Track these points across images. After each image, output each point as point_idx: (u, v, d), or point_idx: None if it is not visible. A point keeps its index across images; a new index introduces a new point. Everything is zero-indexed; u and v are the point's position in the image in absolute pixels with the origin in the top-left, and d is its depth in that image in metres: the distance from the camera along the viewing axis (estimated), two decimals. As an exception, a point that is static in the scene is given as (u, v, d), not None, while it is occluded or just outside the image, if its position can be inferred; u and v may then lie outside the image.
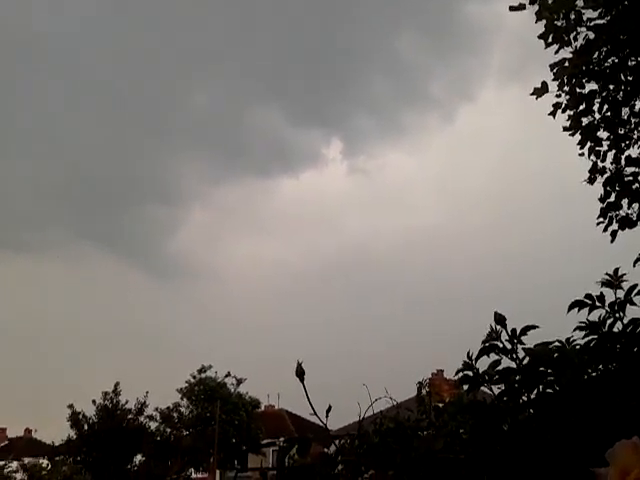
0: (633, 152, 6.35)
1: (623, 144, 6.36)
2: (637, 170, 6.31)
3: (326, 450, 2.52)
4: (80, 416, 34.94)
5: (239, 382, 38.38)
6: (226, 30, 65.46)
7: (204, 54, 65.69)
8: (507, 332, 2.32)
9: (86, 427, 34.82)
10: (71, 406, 35.18)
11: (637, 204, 6.21)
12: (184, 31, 64.21)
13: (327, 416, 2.32)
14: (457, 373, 2.66)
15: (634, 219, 6.22)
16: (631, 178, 6.31)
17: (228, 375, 38.25)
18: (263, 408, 44.04)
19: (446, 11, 66.66)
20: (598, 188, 6.50)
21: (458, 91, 76.56)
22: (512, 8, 6.19)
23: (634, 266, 2.95)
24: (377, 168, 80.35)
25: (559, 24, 6.02)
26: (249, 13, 64.73)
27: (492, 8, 43.62)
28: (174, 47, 64.52)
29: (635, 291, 2.48)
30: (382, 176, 72.54)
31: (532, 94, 6.22)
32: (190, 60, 66.72)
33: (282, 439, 42.28)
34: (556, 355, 2.26)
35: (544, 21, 6.07)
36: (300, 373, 2.23)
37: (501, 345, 2.37)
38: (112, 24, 62.41)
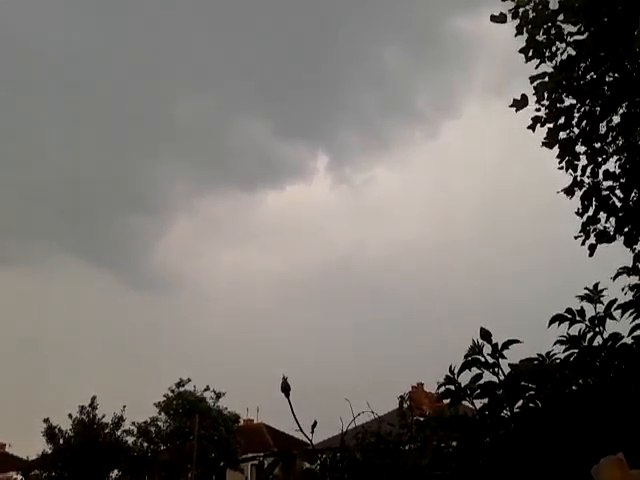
0: (610, 166, 6.41)
1: (600, 158, 6.42)
2: (613, 184, 6.37)
3: (310, 467, 2.50)
4: (56, 430, 34.46)
5: (218, 396, 37.98)
6: (212, 43, 65.47)
7: (190, 66, 65.56)
8: (491, 346, 2.33)
9: (62, 441, 34.31)
10: (47, 420, 34.71)
11: (614, 218, 6.27)
12: (171, 42, 64.01)
13: (312, 432, 2.29)
14: (439, 387, 2.65)
15: (611, 233, 6.27)
16: (607, 192, 6.37)
17: (207, 389, 37.86)
18: (242, 422, 43.64)
19: (431, 25, 67.29)
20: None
21: (443, 105, 76.73)
22: (493, 18, 6.21)
23: (613, 280, 2.99)
24: (363, 181, 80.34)
25: (540, 39, 6.09)
26: (235, 26, 64.77)
27: (477, 22, 44.06)
28: (160, 58, 64.29)
29: (614, 306, 2.51)
30: (367, 189, 72.63)
31: (511, 106, 6.25)
32: (175, 71, 66.49)
33: (262, 454, 41.91)
34: (537, 370, 2.27)
35: (525, 35, 6.14)
36: (285, 389, 2.19)
37: (483, 359, 2.37)
38: (98, 35, 62.17)
